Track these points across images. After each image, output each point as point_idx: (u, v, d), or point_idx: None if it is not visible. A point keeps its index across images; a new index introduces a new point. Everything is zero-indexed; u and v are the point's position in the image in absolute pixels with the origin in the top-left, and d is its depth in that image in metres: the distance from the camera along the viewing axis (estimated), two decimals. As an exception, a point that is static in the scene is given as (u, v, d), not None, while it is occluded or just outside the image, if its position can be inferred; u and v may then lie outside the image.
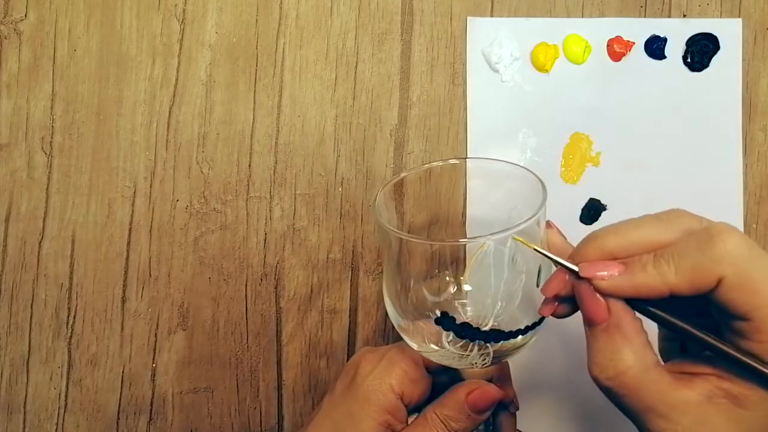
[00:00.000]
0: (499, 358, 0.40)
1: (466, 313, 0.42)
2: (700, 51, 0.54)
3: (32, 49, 0.55)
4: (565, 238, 0.39)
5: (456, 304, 0.43)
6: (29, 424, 0.55)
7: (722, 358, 0.31)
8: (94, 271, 0.55)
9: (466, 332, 0.39)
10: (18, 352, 0.55)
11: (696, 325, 0.32)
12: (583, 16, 0.54)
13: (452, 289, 0.43)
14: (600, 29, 0.54)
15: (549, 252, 0.38)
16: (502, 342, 0.39)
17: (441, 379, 0.44)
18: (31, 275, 0.55)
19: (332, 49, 0.55)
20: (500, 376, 0.45)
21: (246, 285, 0.55)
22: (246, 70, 0.55)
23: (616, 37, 0.54)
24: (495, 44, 0.54)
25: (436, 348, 0.40)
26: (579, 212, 0.54)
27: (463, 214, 0.54)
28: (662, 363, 0.33)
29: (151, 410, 0.55)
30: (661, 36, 0.54)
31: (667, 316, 0.33)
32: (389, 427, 0.41)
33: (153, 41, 0.55)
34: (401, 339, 0.42)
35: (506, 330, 0.39)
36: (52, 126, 0.55)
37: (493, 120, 0.54)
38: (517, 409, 0.46)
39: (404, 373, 0.42)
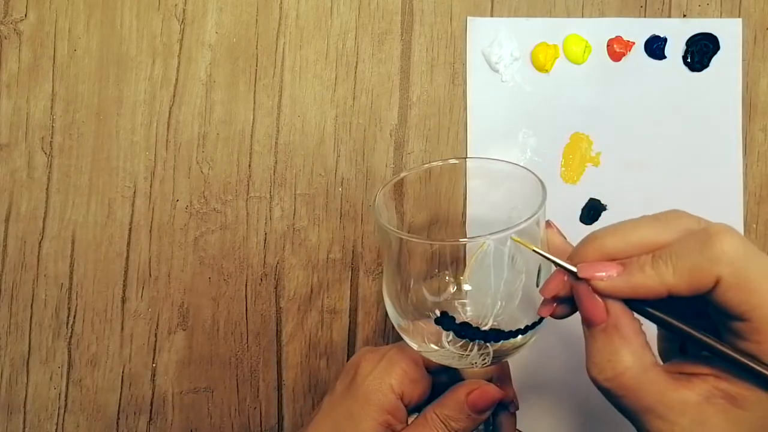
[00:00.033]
0: (499, 358, 0.40)
1: (466, 313, 0.42)
2: (700, 51, 0.54)
3: (32, 49, 0.55)
4: (565, 238, 0.39)
5: (456, 304, 0.43)
6: (29, 424, 0.55)
7: (720, 358, 0.31)
8: (94, 271, 0.55)
9: (466, 332, 0.39)
10: (18, 352, 0.55)
11: (694, 325, 0.32)
12: (583, 16, 0.54)
13: (452, 289, 0.43)
14: (600, 29, 0.54)
15: (549, 252, 0.38)
16: (501, 342, 0.39)
17: (441, 379, 0.44)
18: (31, 275, 0.55)
19: (332, 49, 0.55)
20: (500, 375, 0.45)
21: (246, 285, 0.55)
22: (246, 70, 0.55)
23: (616, 37, 0.54)
24: (495, 44, 0.54)
25: (436, 348, 0.40)
26: (579, 212, 0.54)
27: (463, 214, 0.54)
28: (661, 364, 0.33)
29: (151, 410, 0.55)
30: (661, 36, 0.54)
31: (666, 317, 0.33)
32: (389, 427, 0.41)
33: (153, 41, 0.55)
34: (401, 339, 0.42)
35: (506, 330, 0.39)
36: (52, 126, 0.55)
37: (493, 120, 0.54)
38: (517, 408, 0.46)
39: (404, 373, 0.42)
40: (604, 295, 0.33)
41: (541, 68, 0.54)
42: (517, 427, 0.46)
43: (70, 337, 0.55)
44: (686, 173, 0.54)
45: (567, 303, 0.35)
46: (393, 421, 0.41)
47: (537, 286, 0.39)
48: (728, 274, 0.30)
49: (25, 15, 0.55)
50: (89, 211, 0.55)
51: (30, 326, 0.55)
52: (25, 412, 0.55)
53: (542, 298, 0.36)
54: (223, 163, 0.55)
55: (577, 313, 0.34)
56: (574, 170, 0.54)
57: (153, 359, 0.55)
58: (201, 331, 0.55)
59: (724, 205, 0.54)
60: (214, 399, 0.55)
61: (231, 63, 0.55)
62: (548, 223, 0.39)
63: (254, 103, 0.55)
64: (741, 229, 0.54)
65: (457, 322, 0.39)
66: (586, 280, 0.33)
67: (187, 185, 0.55)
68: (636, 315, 0.33)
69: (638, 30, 0.54)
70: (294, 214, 0.55)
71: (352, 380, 0.42)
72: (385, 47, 0.55)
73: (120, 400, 0.55)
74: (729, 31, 0.54)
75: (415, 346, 0.41)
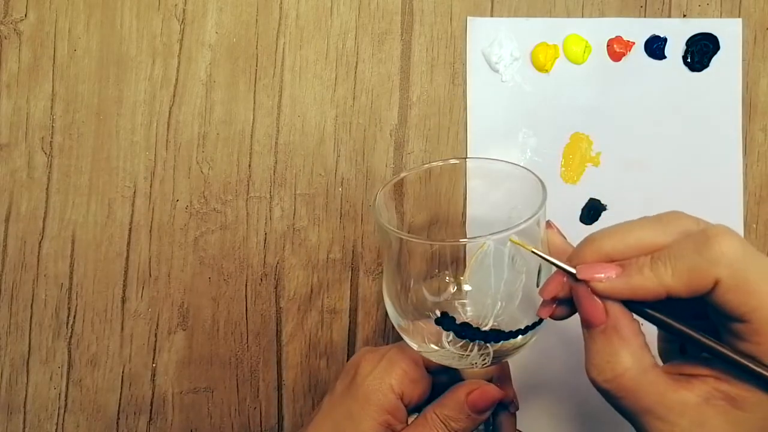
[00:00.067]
0: (499, 358, 0.40)
1: (466, 313, 0.42)
2: (700, 51, 0.54)
3: (32, 49, 0.55)
4: (565, 238, 0.39)
5: (456, 304, 0.43)
6: (29, 424, 0.55)
7: (720, 359, 0.31)
8: (94, 271, 0.55)
9: (466, 332, 0.39)
10: (18, 352, 0.55)
11: (694, 326, 0.32)
12: (583, 16, 0.54)
13: (452, 289, 0.43)
14: (600, 29, 0.54)
15: (549, 252, 0.38)
16: (502, 342, 0.39)
17: (441, 379, 0.44)
18: (31, 275, 0.55)
19: (332, 49, 0.55)
20: (500, 376, 0.45)
21: (246, 285, 0.55)
22: (246, 70, 0.55)
23: (616, 37, 0.54)
24: (495, 44, 0.54)
25: (436, 348, 0.40)
26: (579, 212, 0.54)
27: (463, 214, 0.54)
28: (660, 365, 0.33)
29: (151, 410, 0.55)
30: (661, 36, 0.54)
31: (665, 318, 0.33)
32: (389, 427, 0.41)
33: (153, 41, 0.55)
34: (401, 339, 0.42)
35: (506, 330, 0.39)
36: (52, 126, 0.55)
37: (493, 120, 0.54)
38: (517, 409, 0.46)
39: (404, 373, 0.42)
40: (603, 297, 0.33)
41: (541, 68, 0.54)
42: (517, 427, 0.46)
43: (70, 337, 0.55)
44: (686, 173, 0.54)
45: (566, 304, 0.35)
46: (393, 421, 0.41)
47: (537, 286, 0.39)
48: (727, 275, 0.30)
49: (25, 15, 0.55)
50: (89, 211, 0.55)
51: (30, 326, 0.55)
52: (25, 412, 0.55)
53: (542, 298, 0.36)
54: (223, 163, 0.55)
55: (577, 314, 0.34)
56: (574, 170, 0.54)
57: (153, 359, 0.55)
58: (201, 331, 0.55)
59: (724, 205, 0.54)
60: (214, 399, 0.55)
61: (231, 63, 0.55)
62: (548, 224, 0.39)
63: (254, 103, 0.55)
64: (741, 229, 0.54)
65: (458, 322, 0.39)
66: (586, 282, 0.33)
67: (187, 185, 0.55)
68: (635, 316, 0.33)
69: (638, 30, 0.54)
70: (294, 214, 0.55)
71: (352, 380, 0.42)
72: (385, 47, 0.55)
73: (120, 400, 0.55)
74: (729, 31, 0.54)
75: (415, 346, 0.41)
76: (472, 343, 0.39)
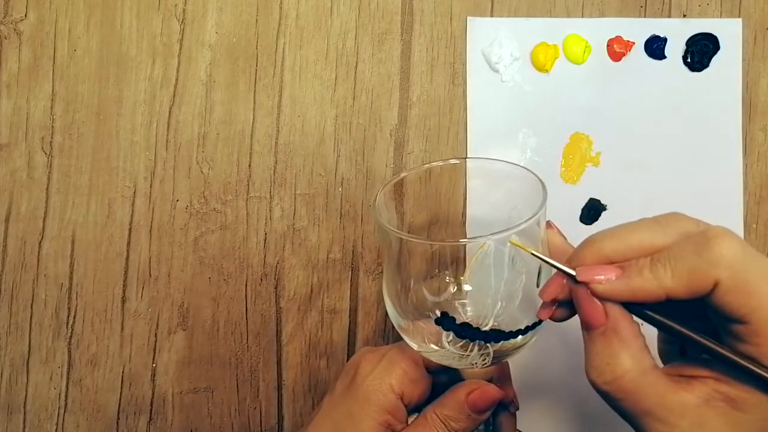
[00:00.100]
0: (499, 358, 0.40)
1: (466, 313, 0.42)
2: (700, 51, 0.54)
3: (32, 49, 0.55)
4: (565, 238, 0.39)
5: (456, 304, 0.43)
6: (29, 424, 0.55)
7: (720, 361, 0.31)
8: (94, 271, 0.55)
9: (466, 332, 0.39)
10: (18, 352, 0.55)
11: (694, 328, 0.32)
12: (583, 16, 0.54)
13: (452, 289, 0.43)
14: (600, 29, 0.54)
15: (549, 252, 0.38)
16: (502, 342, 0.39)
17: (441, 379, 0.44)
18: (31, 275, 0.55)
19: (332, 49, 0.55)
20: (500, 376, 0.45)
21: (246, 285, 0.55)
22: (246, 70, 0.55)
23: (616, 37, 0.54)
24: (495, 44, 0.54)
25: (436, 348, 0.40)
26: (579, 212, 0.54)
27: (463, 214, 0.54)
28: (660, 366, 0.33)
29: (151, 410, 0.55)
30: (661, 36, 0.54)
31: (665, 320, 0.33)
32: (389, 427, 0.41)
33: (153, 41, 0.55)
34: (401, 339, 0.42)
35: (506, 330, 0.39)
36: (52, 126, 0.55)
37: (493, 120, 0.54)
38: (517, 409, 0.46)
39: (404, 373, 0.42)
40: (603, 299, 0.33)
41: (541, 68, 0.54)
42: (517, 427, 0.46)
43: (70, 337, 0.55)
44: (686, 173, 0.54)
45: (566, 306, 0.35)
46: (393, 421, 0.41)
47: (537, 286, 0.39)
48: (727, 277, 0.30)
49: (25, 15, 0.55)
50: (89, 211, 0.55)
51: (30, 326, 0.55)
52: (25, 412, 0.55)
53: (542, 300, 0.36)
54: (223, 163, 0.55)
55: (577, 315, 0.34)
56: (574, 170, 0.54)
57: (153, 359, 0.55)
58: (201, 331, 0.55)
59: (724, 205, 0.54)
60: (214, 399, 0.55)
61: (231, 63, 0.55)
62: (549, 224, 0.39)
63: (254, 103, 0.55)
64: (741, 229, 0.54)
65: (458, 322, 0.39)
66: (585, 284, 0.33)
67: (187, 185, 0.55)
68: (635, 318, 0.33)
69: (638, 30, 0.54)
70: (294, 214, 0.55)
71: (352, 380, 0.42)
72: (385, 47, 0.55)
73: (120, 400, 0.55)
74: (729, 31, 0.54)
75: (415, 346, 0.41)
76: (472, 343, 0.39)
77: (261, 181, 0.55)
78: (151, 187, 0.55)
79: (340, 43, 0.55)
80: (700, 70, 0.54)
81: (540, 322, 0.39)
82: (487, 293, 0.41)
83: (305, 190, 0.55)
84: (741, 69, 0.54)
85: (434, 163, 0.54)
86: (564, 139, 0.54)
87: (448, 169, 0.54)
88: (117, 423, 0.55)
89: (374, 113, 0.55)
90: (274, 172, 0.55)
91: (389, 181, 0.46)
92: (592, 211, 0.54)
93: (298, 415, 0.55)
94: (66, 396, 0.55)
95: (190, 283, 0.55)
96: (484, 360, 0.40)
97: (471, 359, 0.40)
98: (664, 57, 0.54)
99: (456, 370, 0.43)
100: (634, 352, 0.32)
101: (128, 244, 0.55)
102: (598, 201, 0.54)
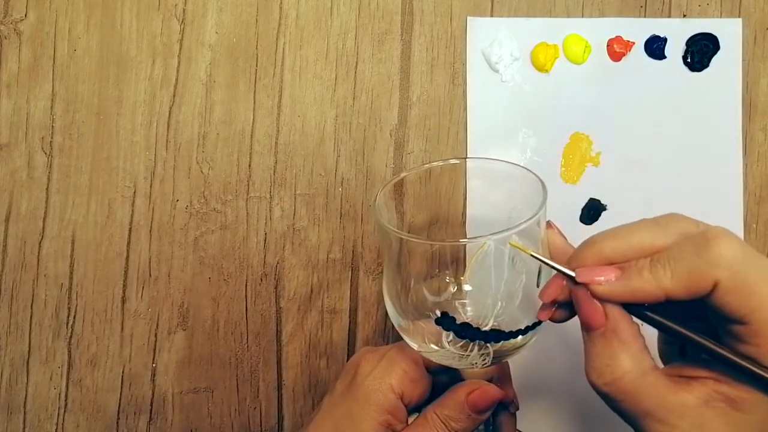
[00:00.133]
0: (499, 358, 0.40)
1: (466, 313, 0.42)
2: (700, 51, 0.54)
3: (32, 49, 0.55)
4: (565, 238, 0.39)
5: (456, 304, 0.43)
6: (29, 424, 0.55)
7: (720, 361, 0.31)
8: (94, 271, 0.55)
9: (466, 332, 0.39)
10: (18, 352, 0.55)
11: (694, 328, 0.32)
12: (583, 16, 0.54)
13: (452, 289, 0.43)
14: (600, 29, 0.54)
15: (549, 252, 0.38)
16: (502, 342, 0.39)
17: (441, 379, 0.44)
18: (31, 275, 0.55)
19: (332, 49, 0.55)
20: (500, 376, 0.45)
21: (246, 285, 0.55)
22: (246, 70, 0.55)
23: (616, 37, 0.54)
24: (495, 44, 0.54)
25: (436, 348, 0.40)
26: (579, 212, 0.54)
27: (463, 214, 0.54)
28: (660, 367, 0.33)
29: (151, 410, 0.55)
30: (661, 36, 0.54)
31: (665, 321, 0.33)
32: (389, 427, 0.41)
33: (153, 41, 0.55)
34: (401, 339, 0.42)
35: (506, 330, 0.39)
36: (52, 126, 0.55)
37: (493, 120, 0.54)
38: (517, 409, 0.46)
39: (404, 373, 0.42)
40: (603, 300, 0.33)
41: (541, 68, 0.54)
42: (517, 428, 0.46)
43: (70, 337, 0.55)
44: (686, 173, 0.54)
45: (566, 307, 0.35)
46: (393, 421, 0.41)
47: (537, 286, 0.39)
48: (726, 277, 0.30)
49: (25, 15, 0.55)
50: (89, 211, 0.55)
51: (30, 326, 0.55)
52: (25, 412, 0.55)
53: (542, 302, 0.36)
54: (223, 163, 0.55)
55: (577, 316, 0.34)
56: (574, 170, 0.54)
57: (153, 359, 0.55)
58: (201, 331, 0.55)
59: (724, 205, 0.54)
60: (214, 399, 0.55)
61: (231, 63, 0.55)
62: (549, 224, 0.39)
63: (254, 103, 0.55)
64: (741, 229, 0.54)
65: (458, 322, 0.39)
66: (585, 285, 0.33)
67: (187, 185, 0.55)
68: (635, 318, 0.33)
69: (638, 30, 0.54)
70: (294, 214, 0.55)
71: (352, 380, 0.42)
72: (385, 47, 0.55)
73: (120, 400, 0.55)
74: (729, 31, 0.54)
75: (415, 346, 0.41)
76: (472, 343, 0.39)
77: (261, 181, 0.55)
78: (151, 187, 0.55)
79: (340, 43, 0.55)
80: (700, 70, 0.54)
81: (540, 322, 0.38)
82: (487, 293, 0.41)
83: (305, 190, 0.55)
84: (741, 69, 0.54)
85: (434, 163, 0.54)
86: (564, 139, 0.54)
87: (448, 169, 0.54)
88: (117, 423, 0.55)
89: (374, 113, 0.55)
90: (274, 172, 0.55)
91: (389, 181, 0.46)
92: (592, 211, 0.54)
93: (298, 415, 0.55)
94: (66, 396, 0.55)
95: (190, 283, 0.55)
96: (484, 360, 0.40)
97: (471, 359, 0.40)
98: (664, 57, 0.54)
99: (456, 370, 0.43)
100: (633, 353, 0.32)
101: (128, 244, 0.55)
102: (598, 201, 0.54)
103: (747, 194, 0.54)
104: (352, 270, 0.55)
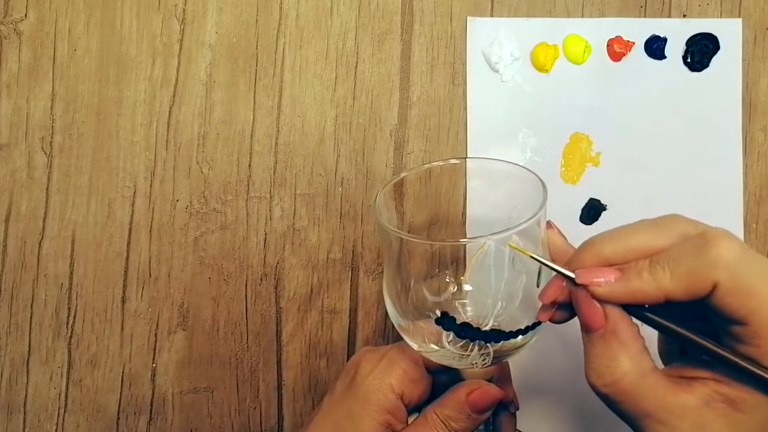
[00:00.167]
0: (499, 358, 0.40)
1: (467, 313, 0.42)
2: (700, 51, 0.54)
3: (32, 49, 0.55)
4: (565, 238, 0.39)
5: (456, 304, 0.43)
6: (29, 424, 0.55)
7: (719, 362, 0.31)
8: (94, 271, 0.55)
9: (467, 332, 0.39)
10: (18, 352, 0.55)
11: (694, 329, 0.32)
12: (583, 16, 0.54)
13: (452, 289, 0.43)
14: (600, 29, 0.54)
15: (550, 252, 0.38)
16: (502, 342, 0.39)
17: (441, 379, 0.44)
18: (31, 275, 0.55)
19: (332, 49, 0.55)
20: (500, 376, 0.45)
21: (246, 285, 0.55)
22: (246, 70, 0.55)
23: (616, 37, 0.54)
24: (495, 44, 0.54)
25: (436, 348, 0.40)
26: (579, 212, 0.54)
27: (463, 214, 0.54)
28: (660, 368, 0.33)
29: (151, 410, 0.55)
30: (661, 36, 0.54)
31: (664, 322, 0.33)
32: (389, 427, 0.41)
33: (153, 41, 0.55)
34: (401, 339, 0.42)
35: (506, 330, 0.39)
36: (52, 126, 0.55)
37: (493, 120, 0.54)
38: (517, 409, 0.46)
39: (404, 373, 0.42)
40: (603, 301, 0.33)
41: (541, 68, 0.54)
42: (517, 428, 0.46)
43: (70, 337, 0.55)
44: (686, 173, 0.54)
45: (566, 308, 0.35)
46: (393, 421, 0.41)
47: (537, 286, 0.39)
48: (726, 278, 0.30)
49: (25, 15, 0.55)
50: (89, 211, 0.55)
51: (30, 326, 0.55)
52: (25, 412, 0.55)
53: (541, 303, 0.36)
54: (223, 163, 0.55)
55: (576, 317, 0.34)
56: (574, 170, 0.54)
57: (153, 359, 0.55)
58: (201, 331, 0.55)
59: (724, 205, 0.54)
60: (214, 399, 0.55)
61: (231, 63, 0.55)
62: (549, 224, 0.39)
63: (254, 103, 0.55)
64: (741, 230, 0.54)
65: (458, 322, 0.39)
66: (585, 286, 0.33)
67: (187, 185, 0.55)
68: (635, 319, 0.33)
69: (638, 30, 0.54)
70: (294, 214, 0.55)
71: (352, 380, 0.42)
72: (385, 47, 0.55)
73: (120, 400, 0.55)
74: (729, 31, 0.54)
75: (415, 346, 0.41)
76: (472, 343, 0.39)
77: (261, 181, 0.55)
78: (151, 187, 0.55)
79: (340, 43, 0.55)
80: (700, 70, 0.54)
81: (540, 322, 0.38)
82: (488, 293, 0.41)
83: (305, 190, 0.55)
84: (741, 69, 0.54)
85: (434, 163, 0.54)
86: (564, 139, 0.54)
87: (448, 169, 0.54)
88: (117, 423, 0.55)
89: (374, 113, 0.55)
90: (274, 172, 0.55)
91: (389, 181, 0.46)
92: (592, 211, 0.54)
93: (298, 415, 0.55)
94: (66, 396, 0.55)
95: (190, 283, 0.55)
96: (484, 360, 0.40)
97: (471, 359, 0.40)
98: (664, 57, 0.54)
99: (456, 370, 0.43)
100: (633, 355, 0.32)
101: (128, 244, 0.55)
102: (598, 201, 0.54)
103: (747, 194, 0.54)
104: (352, 270, 0.55)
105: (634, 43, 0.54)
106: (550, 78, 0.54)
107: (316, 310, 0.55)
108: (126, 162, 0.55)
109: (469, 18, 0.54)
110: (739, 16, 0.54)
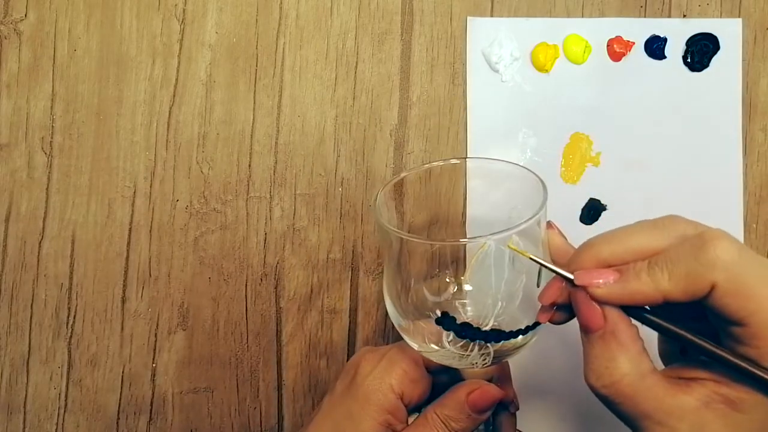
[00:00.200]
0: (499, 358, 0.40)
1: (467, 313, 0.42)
2: (700, 51, 0.54)
3: (32, 49, 0.55)
4: (565, 238, 0.39)
5: (456, 304, 0.43)
6: (29, 424, 0.55)
7: (718, 362, 0.31)
8: (94, 271, 0.55)
9: (467, 332, 0.39)
10: (18, 352, 0.55)
11: (693, 329, 0.32)
12: (583, 16, 0.54)
13: (453, 289, 0.43)
14: (600, 29, 0.54)
15: (549, 252, 0.38)
16: (502, 342, 0.39)
17: (441, 379, 0.44)
18: (31, 275, 0.55)
19: (332, 49, 0.55)
20: (500, 376, 0.45)
21: (246, 285, 0.55)
22: (246, 70, 0.55)
23: (616, 37, 0.54)
24: (495, 44, 0.54)
25: (436, 348, 0.40)
26: (579, 212, 0.54)
27: (463, 214, 0.54)
28: (659, 369, 0.33)
29: (151, 410, 0.55)
30: (661, 36, 0.54)
31: (664, 323, 0.33)
32: (389, 427, 0.41)
33: (153, 41, 0.55)
34: (401, 339, 0.42)
35: (507, 330, 0.39)
36: (52, 126, 0.55)
37: (493, 120, 0.54)
38: (517, 409, 0.46)
39: (404, 373, 0.42)
40: (601, 302, 0.33)
41: (541, 68, 0.54)
42: (517, 428, 0.46)
43: (70, 337, 0.55)
44: (686, 173, 0.54)
45: (565, 309, 0.35)
46: (393, 421, 0.41)
47: (537, 286, 0.39)
48: (724, 279, 0.30)
49: (25, 15, 0.55)
50: (89, 211, 0.55)
51: (30, 326, 0.55)
52: (25, 412, 0.55)
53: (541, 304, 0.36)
54: (223, 163, 0.55)
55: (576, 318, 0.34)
56: (574, 170, 0.54)
57: (153, 359, 0.55)
58: (201, 331, 0.55)
59: (724, 205, 0.54)
60: (214, 399, 0.55)
61: (231, 63, 0.55)
62: (549, 224, 0.39)
63: (254, 103, 0.55)
64: (741, 230, 0.54)
65: (458, 322, 0.39)
66: (584, 287, 0.33)
67: (187, 185, 0.55)
68: (634, 320, 0.33)
69: (638, 30, 0.54)
70: (294, 214, 0.55)
71: (352, 380, 0.42)
72: (385, 47, 0.55)
73: (120, 400, 0.55)
74: (729, 31, 0.54)
75: (415, 346, 0.41)
76: (472, 343, 0.39)
77: (261, 181, 0.55)
78: (151, 187, 0.55)
79: (340, 43, 0.55)
80: (700, 70, 0.54)
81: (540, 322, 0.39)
82: (488, 293, 0.41)
83: (305, 190, 0.55)
84: (741, 69, 0.54)
85: (434, 163, 0.54)
86: (564, 139, 0.54)
87: (448, 169, 0.54)
88: (117, 423, 0.55)
89: (374, 113, 0.55)
90: (274, 172, 0.55)
91: (389, 181, 0.46)
92: (592, 211, 0.54)
93: (298, 415, 0.55)
94: (66, 396, 0.55)
95: (190, 283, 0.55)
96: (485, 360, 0.40)
97: (471, 359, 0.40)
98: (664, 57, 0.54)
99: (456, 370, 0.43)
100: (632, 356, 0.32)
101: (128, 244, 0.55)
102: (598, 201, 0.54)
103: (747, 194, 0.54)
104: (352, 270, 0.55)
105: (634, 43, 0.54)
106: (550, 78, 0.54)
107: (316, 310, 0.55)
108: (126, 162, 0.55)
109: (469, 18, 0.54)
110: (739, 16, 0.54)
